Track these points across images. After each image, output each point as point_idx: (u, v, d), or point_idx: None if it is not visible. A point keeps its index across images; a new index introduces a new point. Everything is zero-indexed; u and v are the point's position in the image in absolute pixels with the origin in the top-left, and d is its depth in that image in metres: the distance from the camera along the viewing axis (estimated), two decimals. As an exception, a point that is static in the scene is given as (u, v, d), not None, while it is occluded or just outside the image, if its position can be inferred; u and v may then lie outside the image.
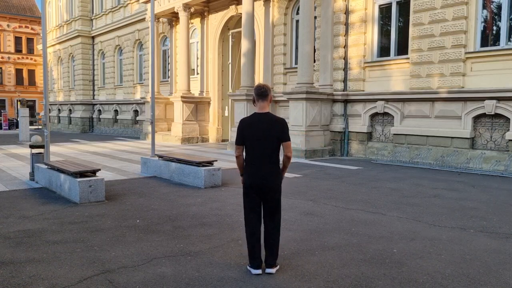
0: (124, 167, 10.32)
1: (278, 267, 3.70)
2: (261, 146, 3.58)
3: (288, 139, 3.62)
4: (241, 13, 15.13)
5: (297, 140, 12.08)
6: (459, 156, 10.20)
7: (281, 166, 3.71)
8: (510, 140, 9.51)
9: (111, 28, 25.16)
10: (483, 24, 10.29)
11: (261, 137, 3.57)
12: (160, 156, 9.04)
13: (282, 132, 3.60)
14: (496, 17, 10.19)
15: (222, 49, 18.13)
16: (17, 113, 29.94)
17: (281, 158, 3.67)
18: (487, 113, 9.84)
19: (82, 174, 6.59)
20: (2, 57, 46.64)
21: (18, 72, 47.93)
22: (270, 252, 3.69)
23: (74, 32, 27.91)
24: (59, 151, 14.21)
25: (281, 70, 14.96)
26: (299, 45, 12.74)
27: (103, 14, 26.26)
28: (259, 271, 3.63)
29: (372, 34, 12.41)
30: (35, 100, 47.68)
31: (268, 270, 3.65)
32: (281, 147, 3.65)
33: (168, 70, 20.75)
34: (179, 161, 8.36)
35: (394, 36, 12.11)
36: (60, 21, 31.00)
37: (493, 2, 10.17)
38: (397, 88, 11.69)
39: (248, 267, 3.72)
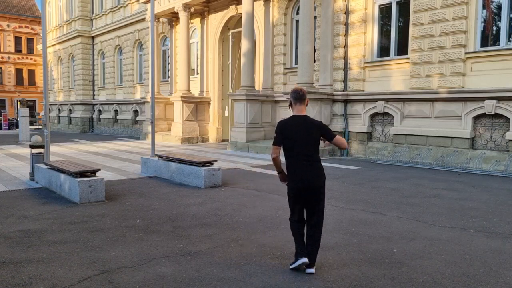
0: (124, 167, 10.32)
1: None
2: (303, 147, 3.65)
3: (335, 134, 3.76)
4: (241, 13, 15.13)
5: (297, 140, 12.07)
6: (459, 156, 10.21)
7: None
8: (510, 140, 9.51)
9: (111, 28, 25.16)
10: (483, 24, 10.29)
11: (303, 139, 3.65)
12: (160, 156, 9.04)
13: (326, 131, 3.73)
14: (496, 17, 10.20)
15: (222, 49, 18.13)
16: (17, 113, 29.93)
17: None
18: (487, 113, 9.84)
19: (82, 174, 6.59)
20: (2, 57, 46.64)
21: (18, 72, 47.94)
22: (311, 254, 3.69)
23: (74, 32, 27.91)
24: (59, 151, 14.21)
25: (281, 70, 14.97)
26: (299, 45, 12.75)
27: (103, 14, 26.27)
28: (306, 260, 3.61)
29: (372, 34, 12.42)
30: (35, 100, 47.69)
31: (309, 270, 3.65)
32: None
33: (168, 70, 20.75)
34: (179, 161, 8.36)
35: (394, 36, 12.11)
36: (60, 21, 31.01)
37: (493, 2, 10.17)
38: (397, 88, 11.69)
39: (293, 264, 3.68)
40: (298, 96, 3.72)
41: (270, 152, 3.83)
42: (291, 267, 3.73)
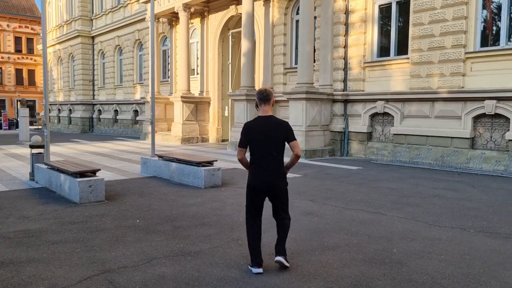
0: (124, 167, 10.32)
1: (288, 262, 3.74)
2: (266, 148, 3.67)
3: (295, 138, 3.74)
4: (241, 13, 15.13)
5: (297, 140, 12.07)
6: (459, 156, 10.20)
7: (287, 163, 3.82)
8: (510, 140, 9.51)
9: (111, 28, 25.15)
10: (483, 24, 10.29)
11: (266, 140, 3.66)
12: (160, 156, 9.04)
13: (287, 133, 3.72)
14: (496, 17, 10.20)
15: (222, 49, 18.12)
16: (17, 113, 29.95)
17: (286, 160, 3.76)
18: (487, 113, 9.84)
19: (82, 174, 6.59)
20: (2, 57, 46.65)
21: (18, 72, 47.94)
22: (281, 244, 3.75)
23: (74, 32, 27.91)
24: (59, 151, 14.21)
25: (281, 70, 14.96)
26: (299, 45, 12.74)
27: (103, 14, 26.26)
28: (260, 270, 3.65)
29: (372, 34, 12.42)
30: (35, 100, 47.69)
31: (277, 258, 3.68)
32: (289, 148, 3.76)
33: (168, 70, 20.75)
34: (179, 161, 8.36)
35: (394, 36, 12.11)
36: (60, 21, 31.00)
37: (493, 2, 10.17)
38: (397, 88, 11.69)
39: (249, 266, 3.74)
40: (263, 97, 3.75)
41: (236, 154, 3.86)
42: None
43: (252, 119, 3.83)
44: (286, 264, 3.69)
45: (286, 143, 3.73)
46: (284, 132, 3.71)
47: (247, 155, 3.78)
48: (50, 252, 4.17)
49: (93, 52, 28.02)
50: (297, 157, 3.77)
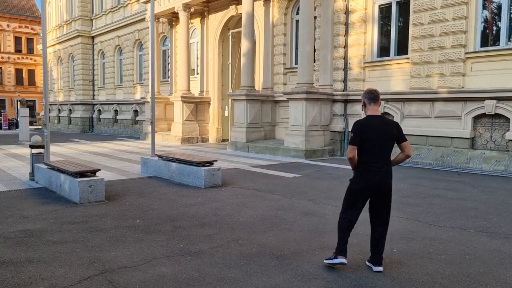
0: (124, 167, 10.32)
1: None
2: (381, 147, 3.66)
3: (406, 139, 3.76)
4: (241, 13, 15.13)
5: (297, 140, 12.09)
6: (459, 156, 10.20)
7: (394, 159, 3.81)
8: (510, 140, 9.51)
9: (111, 28, 25.15)
10: (483, 24, 10.29)
11: (381, 138, 3.66)
12: (160, 156, 9.04)
13: (400, 133, 3.73)
14: (496, 17, 10.19)
15: (222, 49, 18.13)
16: (17, 113, 29.94)
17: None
18: (487, 113, 9.84)
19: (82, 174, 6.59)
20: (2, 57, 46.64)
21: (18, 72, 47.94)
22: (378, 252, 3.73)
23: (74, 32, 27.91)
24: (59, 151, 14.21)
25: (281, 70, 14.96)
26: (299, 45, 12.75)
27: (103, 14, 26.26)
28: (344, 260, 3.65)
29: (372, 34, 12.42)
30: (35, 100, 47.69)
31: (376, 269, 3.68)
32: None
33: (168, 70, 20.75)
34: (179, 161, 8.36)
35: (394, 36, 12.11)
36: (60, 21, 31.00)
37: (493, 2, 10.17)
38: (397, 88, 11.69)
39: (331, 259, 3.72)
40: (374, 97, 3.76)
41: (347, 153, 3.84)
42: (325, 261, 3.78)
43: (362, 118, 3.77)
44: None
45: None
46: (398, 130, 3.71)
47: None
48: (50, 252, 4.16)
49: (93, 52, 28.02)
50: (407, 157, 3.76)
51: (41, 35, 38.05)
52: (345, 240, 3.74)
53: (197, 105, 18.11)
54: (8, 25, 46.81)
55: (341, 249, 3.71)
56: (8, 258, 4.00)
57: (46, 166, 7.68)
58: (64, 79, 31.34)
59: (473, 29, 10.21)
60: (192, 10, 17.52)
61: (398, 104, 11.59)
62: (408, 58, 11.43)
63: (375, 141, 3.64)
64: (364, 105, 3.81)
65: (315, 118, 12.29)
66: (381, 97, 12.41)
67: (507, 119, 9.60)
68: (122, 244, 4.42)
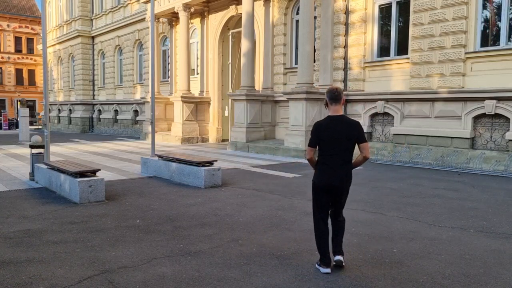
0: (124, 167, 10.32)
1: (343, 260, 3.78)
2: (338, 148, 3.65)
3: (366, 140, 3.74)
4: (241, 13, 15.13)
5: (297, 140, 12.09)
6: (459, 156, 10.20)
7: (353, 162, 3.82)
8: (510, 140, 9.51)
9: (111, 28, 25.15)
10: (483, 24, 10.29)
11: (339, 139, 3.65)
12: (160, 156, 9.04)
13: (359, 134, 3.71)
14: (496, 17, 10.19)
15: (222, 49, 18.13)
16: (17, 113, 29.94)
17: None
18: (487, 113, 9.84)
19: (82, 174, 6.59)
20: (2, 57, 46.64)
21: (18, 72, 47.93)
22: (337, 244, 3.80)
23: (74, 32, 27.91)
24: (59, 151, 14.21)
25: (281, 70, 14.96)
26: (299, 45, 12.75)
27: (103, 14, 26.26)
28: (328, 270, 3.66)
29: (372, 34, 12.42)
30: (35, 100, 47.68)
31: (337, 257, 3.72)
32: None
33: (168, 70, 20.75)
34: (179, 161, 8.36)
35: (394, 36, 12.11)
36: (60, 21, 31.00)
37: (493, 2, 10.17)
38: (397, 88, 11.69)
39: (316, 265, 3.75)
40: (334, 96, 3.72)
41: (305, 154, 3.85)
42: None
43: (322, 119, 3.77)
44: (343, 263, 3.73)
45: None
46: (358, 131, 3.69)
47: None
48: (50, 252, 4.16)
49: (93, 52, 28.02)
50: (365, 159, 3.74)
51: (41, 35, 38.06)
52: (326, 247, 3.74)
53: (197, 105, 18.12)
54: (8, 25, 46.81)
55: (324, 259, 3.71)
56: (8, 258, 4.00)
57: (46, 166, 7.68)
58: (64, 79, 31.34)
59: (473, 29, 10.21)
60: (192, 10, 17.52)
61: (398, 104, 11.59)
62: (408, 58, 11.43)
63: (332, 142, 3.65)
64: (327, 105, 3.78)
65: (315, 118, 12.28)
66: (381, 97, 12.32)
67: (507, 119, 9.60)
68: (122, 244, 4.42)
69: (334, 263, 3.73)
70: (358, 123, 3.76)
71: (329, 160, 3.67)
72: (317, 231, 3.81)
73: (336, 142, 3.64)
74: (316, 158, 3.79)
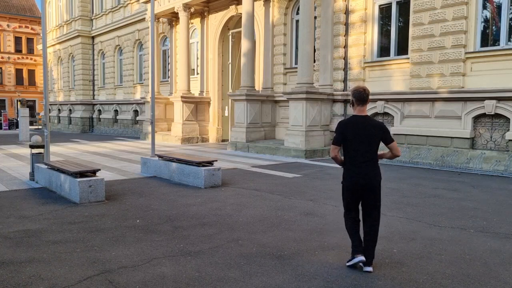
0: (124, 167, 10.32)
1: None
2: (363, 147, 3.69)
3: (393, 139, 3.78)
4: (241, 13, 15.13)
5: (297, 140, 12.09)
6: (459, 156, 10.20)
7: (383, 153, 3.86)
8: (510, 140, 9.51)
9: (111, 28, 25.15)
10: (483, 24, 10.29)
11: (363, 138, 3.68)
12: (160, 156, 9.04)
13: (385, 134, 3.75)
14: (496, 17, 10.19)
15: (222, 49, 18.13)
16: (17, 113, 29.95)
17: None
18: (487, 113, 9.84)
19: (82, 174, 6.59)
20: (2, 57, 46.63)
21: (18, 72, 47.93)
22: (369, 253, 3.73)
23: (74, 32, 27.91)
24: (59, 151, 14.21)
25: (281, 70, 14.96)
26: (299, 45, 12.75)
27: (103, 14, 26.26)
28: (362, 258, 3.66)
29: (372, 34, 12.42)
30: (35, 100, 47.68)
31: (366, 269, 3.68)
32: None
33: (168, 70, 20.75)
34: (179, 161, 8.36)
35: (394, 36, 12.11)
36: (60, 21, 31.00)
37: (493, 2, 10.17)
38: (397, 88, 11.69)
39: (351, 260, 3.74)
40: (362, 97, 3.75)
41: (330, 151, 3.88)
42: (347, 264, 3.79)
43: (346, 118, 3.80)
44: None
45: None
46: (384, 132, 3.73)
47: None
48: (50, 252, 4.16)
49: (93, 52, 28.02)
50: (395, 156, 3.81)
51: (41, 35, 38.08)
52: (356, 238, 3.79)
53: (197, 105, 18.12)
54: (8, 25, 46.80)
55: (355, 248, 3.75)
56: (8, 258, 4.00)
57: (46, 166, 7.68)
58: (64, 79, 31.34)
59: (473, 29, 10.21)
60: (192, 10, 17.52)
61: (398, 104, 11.59)
62: (408, 58, 11.43)
63: (357, 141, 3.68)
64: (353, 104, 3.81)
65: (315, 118, 12.30)
66: (381, 97, 12.31)
67: (507, 119, 9.60)
68: (122, 244, 4.42)
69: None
70: (382, 124, 3.83)
71: (354, 159, 3.71)
72: (347, 230, 3.89)
73: (360, 141, 3.68)
74: (342, 158, 3.82)
